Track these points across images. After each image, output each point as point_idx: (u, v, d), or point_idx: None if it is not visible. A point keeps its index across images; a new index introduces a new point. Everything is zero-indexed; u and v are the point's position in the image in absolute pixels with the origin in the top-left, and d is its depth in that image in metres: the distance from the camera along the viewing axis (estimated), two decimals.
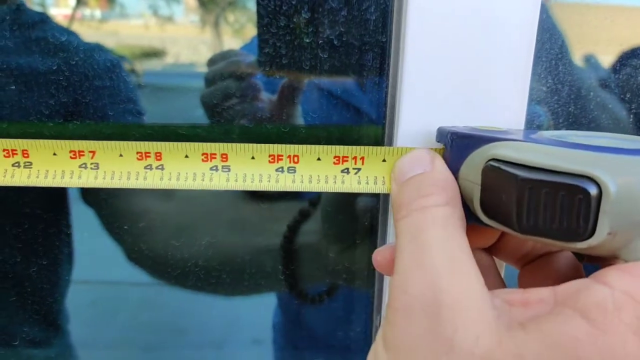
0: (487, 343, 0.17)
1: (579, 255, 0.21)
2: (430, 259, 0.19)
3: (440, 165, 0.23)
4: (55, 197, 0.51)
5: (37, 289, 0.54)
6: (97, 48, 0.47)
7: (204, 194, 0.44)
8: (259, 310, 0.79)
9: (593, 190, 0.15)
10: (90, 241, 0.60)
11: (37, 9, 0.48)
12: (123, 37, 0.64)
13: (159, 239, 0.46)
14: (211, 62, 0.36)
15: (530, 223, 0.18)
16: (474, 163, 0.21)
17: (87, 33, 0.53)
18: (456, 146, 0.23)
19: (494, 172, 0.19)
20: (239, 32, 0.78)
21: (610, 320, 0.15)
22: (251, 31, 0.78)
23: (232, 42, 0.78)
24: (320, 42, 0.30)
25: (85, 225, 0.60)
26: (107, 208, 0.47)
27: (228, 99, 0.37)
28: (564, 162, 0.16)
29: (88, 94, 0.42)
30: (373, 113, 0.34)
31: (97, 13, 0.75)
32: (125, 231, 0.47)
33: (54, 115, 0.39)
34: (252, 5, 0.79)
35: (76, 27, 0.54)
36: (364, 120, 0.35)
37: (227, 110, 0.37)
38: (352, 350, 0.58)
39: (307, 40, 0.30)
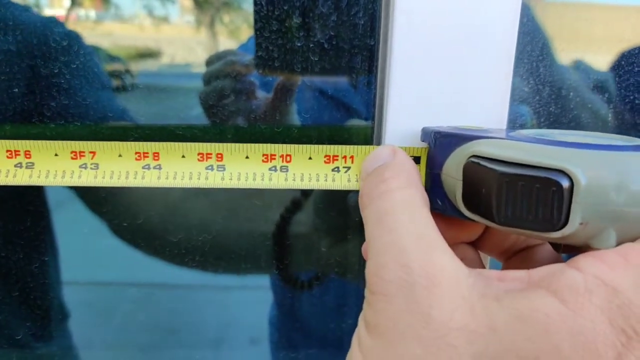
0: (461, 316, 0.17)
1: (555, 246, 0.22)
2: (398, 241, 0.19)
3: (401, 155, 0.24)
4: (47, 198, 0.52)
5: (29, 289, 0.54)
6: (52, 22, 0.46)
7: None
8: (256, 310, 0.80)
9: (565, 183, 0.16)
10: (84, 242, 0.61)
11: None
12: (118, 38, 0.65)
13: (146, 215, 0.46)
14: (209, 61, 0.37)
15: (508, 215, 0.19)
16: (456, 160, 0.22)
17: (81, 34, 0.53)
18: (439, 144, 0.24)
19: (474, 168, 0.20)
20: (234, 33, 0.79)
21: (581, 301, 0.16)
22: (246, 32, 0.79)
23: (227, 43, 0.79)
24: (311, 45, 0.31)
25: (78, 226, 0.60)
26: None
27: (225, 97, 0.38)
28: (539, 157, 0.17)
29: (46, 70, 0.41)
30: (362, 113, 0.35)
31: (92, 13, 0.76)
32: (110, 207, 0.47)
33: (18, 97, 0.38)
34: (247, 6, 0.80)
35: (70, 29, 0.54)
36: (354, 120, 0.36)
37: (225, 108, 0.38)
38: (347, 342, 0.58)
39: (299, 44, 0.31)
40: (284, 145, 0.25)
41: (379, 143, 0.29)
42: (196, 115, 0.71)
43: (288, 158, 0.25)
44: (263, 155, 0.25)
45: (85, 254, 0.62)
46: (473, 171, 0.21)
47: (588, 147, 0.17)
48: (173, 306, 0.92)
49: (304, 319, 0.62)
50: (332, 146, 0.25)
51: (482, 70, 0.27)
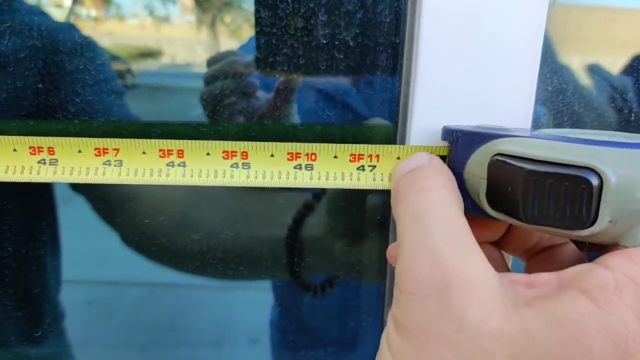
0: (495, 320, 0.17)
1: (580, 245, 0.22)
2: (433, 241, 0.19)
3: (438, 160, 0.24)
4: (48, 196, 0.51)
5: (29, 288, 0.53)
6: (67, 28, 0.46)
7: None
8: (256, 310, 0.80)
9: (595, 181, 0.16)
10: (85, 241, 0.60)
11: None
12: (118, 38, 0.65)
13: (157, 223, 0.46)
14: (210, 61, 0.37)
15: (535, 213, 0.19)
16: (480, 158, 0.22)
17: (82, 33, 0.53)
18: (462, 143, 0.24)
19: (499, 166, 0.21)
20: (235, 33, 0.78)
21: (612, 300, 0.16)
22: (247, 32, 0.79)
23: (228, 43, 0.79)
24: (336, 42, 0.31)
25: (80, 225, 0.60)
26: (98, 193, 0.46)
27: (229, 97, 0.38)
28: (567, 155, 0.17)
29: (59, 75, 0.41)
30: (385, 112, 0.35)
31: (93, 13, 0.75)
32: (121, 215, 0.47)
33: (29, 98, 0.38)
34: (248, 6, 0.80)
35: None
36: (376, 120, 0.36)
37: (228, 108, 0.37)
38: (347, 345, 0.59)
39: (325, 41, 0.31)
40: (310, 144, 0.25)
41: (402, 142, 0.29)
42: (197, 115, 0.71)
43: (313, 156, 0.25)
44: (288, 153, 0.26)
45: (85, 253, 0.62)
46: (498, 169, 0.21)
47: (617, 145, 0.17)
48: (173, 306, 0.91)
49: (305, 319, 0.62)
50: (357, 145, 0.25)
51: (508, 70, 0.27)
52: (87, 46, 0.46)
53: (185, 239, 0.46)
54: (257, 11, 0.30)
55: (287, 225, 0.41)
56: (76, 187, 0.48)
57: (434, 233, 0.19)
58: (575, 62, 0.50)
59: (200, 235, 0.45)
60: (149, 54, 0.82)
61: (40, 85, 0.40)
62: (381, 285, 0.43)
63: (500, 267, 0.28)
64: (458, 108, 0.28)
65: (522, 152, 0.20)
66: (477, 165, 0.22)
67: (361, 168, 0.26)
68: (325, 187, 0.25)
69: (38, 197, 0.49)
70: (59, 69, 0.41)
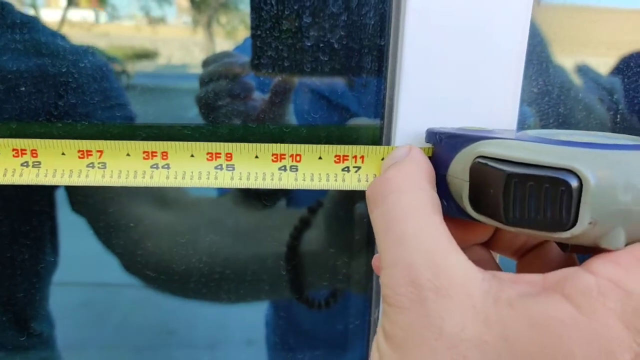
0: (474, 328, 0.17)
1: (563, 246, 0.22)
2: (407, 256, 0.19)
3: (414, 153, 0.24)
4: (44, 198, 0.51)
5: (21, 290, 0.53)
6: (88, 51, 0.47)
7: (203, 202, 0.44)
8: (252, 311, 0.80)
9: (574, 183, 0.16)
10: (80, 243, 0.60)
11: (28, 10, 0.48)
12: (114, 39, 0.65)
13: (158, 248, 0.46)
14: (205, 63, 0.37)
15: (516, 215, 0.19)
16: (462, 161, 0.22)
17: (78, 34, 0.53)
18: (445, 145, 0.24)
19: (481, 169, 0.20)
20: (231, 34, 0.78)
21: (595, 305, 0.16)
22: (243, 32, 0.79)
23: (224, 44, 0.79)
24: (321, 45, 0.32)
25: (74, 227, 0.60)
26: (100, 216, 0.46)
27: (227, 98, 0.38)
28: (547, 157, 0.17)
29: (76, 97, 0.42)
30: (371, 114, 0.35)
31: (89, 14, 0.75)
32: (121, 241, 0.47)
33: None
34: (244, 7, 0.80)
35: (67, 29, 0.54)
36: (361, 120, 0.36)
37: (225, 109, 0.37)
38: (343, 344, 0.59)
39: (309, 44, 0.31)
40: (294, 145, 0.25)
41: (388, 143, 0.29)
42: (192, 116, 0.71)
43: (298, 158, 0.25)
44: (273, 154, 0.25)
45: (82, 255, 0.62)
46: (480, 172, 0.21)
47: (596, 146, 0.17)
48: (170, 307, 0.91)
49: (300, 320, 0.62)
50: (342, 146, 0.25)
51: (493, 71, 0.27)
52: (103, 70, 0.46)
53: (184, 262, 0.46)
54: (252, 18, 0.30)
55: (286, 242, 0.41)
56: (78, 210, 0.48)
57: (407, 247, 0.19)
58: (564, 62, 0.50)
59: (198, 258, 0.45)
60: (145, 55, 0.82)
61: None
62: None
63: (490, 267, 0.28)
64: (443, 110, 0.28)
65: (503, 154, 0.20)
66: (460, 168, 0.22)
67: (346, 169, 0.25)
68: (310, 188, 0.25)
69: (34, 199, 0.49)
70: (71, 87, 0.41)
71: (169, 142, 0.25)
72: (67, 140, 0.25)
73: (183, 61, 0.85)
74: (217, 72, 0.37)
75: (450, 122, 0.27)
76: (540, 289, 0.18)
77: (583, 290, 0.17)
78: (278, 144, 0.25)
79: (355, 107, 0.35)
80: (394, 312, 0.19)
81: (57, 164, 0.25)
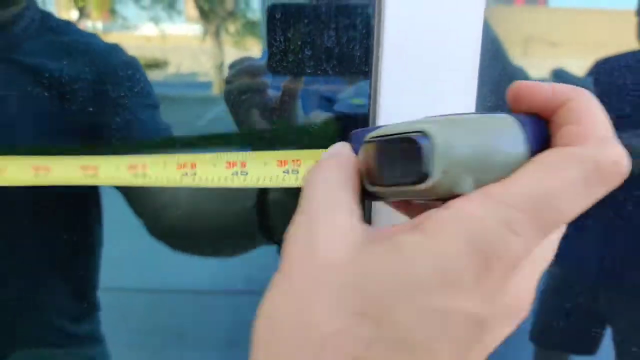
0: (344, 254, 0.19)
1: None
2: (310, 207, 0.22)
3: (335, 147, 0.26)
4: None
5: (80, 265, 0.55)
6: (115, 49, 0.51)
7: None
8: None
9: (425, 142, 0.20)
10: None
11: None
12: (125, 49, 0.66)
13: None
14: (232, 65, 0.43)
15: (389, 177, 0.22)
16: (362, 150, 0.25)
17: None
18: (354, 141, 0.27)
19: (365, 148, 0.24)
20: (239, 43, 0.80)
21: (442, 229, 0.18)
22: (251, 42, 0.81)
23: (232, 52, 0.80)
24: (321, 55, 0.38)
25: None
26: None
27: (244, 94, 0.44)
28: (406, 127, 0.21)
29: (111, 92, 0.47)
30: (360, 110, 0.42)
31: (99, 25, 0.77)
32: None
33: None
34: (252, 16, 0.81)
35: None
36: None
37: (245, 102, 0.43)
38: None
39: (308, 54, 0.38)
40: (242, 152, 0.31)
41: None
42: (200, 126, 0.72)
43: (244, 164, 0.31)
44: (226, 162, 0.31)
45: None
46: (366, 151, 0.24)
47: (444, 116, 0.21)
48: (184, 311, 0.93)
49: None
50: (283, 152, 0.30)
51: (452, 76, 0.32)
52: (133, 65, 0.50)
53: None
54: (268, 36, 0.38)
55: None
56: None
57: (313, 202, 0.22)
58: (527, 62, 0.53)
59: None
60: (155, 64, 0.83)
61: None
62: None
63: None
64: (416, 103, 0.33)
65: (379, 133, 0.23)
66: (361, 157, 0.25)
67: (286, 171, 0.30)
68: (257, 187, 0.30)
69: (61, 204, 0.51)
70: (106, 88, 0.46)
71: (147, 156, 0.32)
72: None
73: (192, 69, 0.86)
74: (241, 70, 0.43)
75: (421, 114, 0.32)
76: (407, 229, 0.19)
77: (435, 220, 0.18)
78: (231, 153, 0.31)
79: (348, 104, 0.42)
80: (287, 246, 0.21)
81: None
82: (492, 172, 0.19)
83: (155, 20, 0.82)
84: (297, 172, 0.29)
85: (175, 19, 0.83)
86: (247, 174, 0.31)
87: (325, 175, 0.23)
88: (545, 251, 0.21)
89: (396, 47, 0.32)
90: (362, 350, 0.18)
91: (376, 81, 0.32)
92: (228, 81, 0.42)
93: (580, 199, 0.18)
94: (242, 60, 0.42)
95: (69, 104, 0.45)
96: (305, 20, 0.38)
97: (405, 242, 0.18)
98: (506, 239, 0.18)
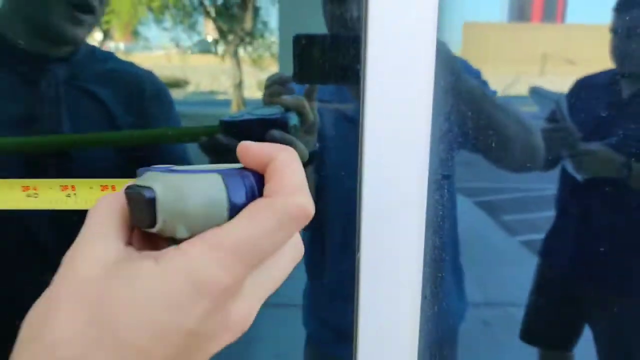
0: (96, 275, 0.22)
1: (169, 241, 0.26)
2: (82, 237, 0.25)
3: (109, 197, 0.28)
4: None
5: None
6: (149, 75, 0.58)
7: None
8: (282, 326, 0.81)
9: (151, 195, 0.23)
10: None
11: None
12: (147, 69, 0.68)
13: None
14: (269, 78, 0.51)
15: (135, 220, 0.25)
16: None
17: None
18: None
19: (128, 195, 0.26)
20: (256, 62, 0.81)
21: (168, 263, 0.22)
22: (268, 61, 0.82)
23: (251, 71, 0.82)
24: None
25: None
26: None
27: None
28: (143, 180, 0.24)
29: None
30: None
31: (121, 46, 0.79)
32: None
33: None
34: (269, 36, 0.83)
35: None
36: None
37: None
38: None
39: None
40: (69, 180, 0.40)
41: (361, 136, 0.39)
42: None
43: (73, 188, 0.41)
44: (22, 187, 0.41)
45: None
46: (129, 198, 0.26)
47: (169, 171, 0.25)
48: None
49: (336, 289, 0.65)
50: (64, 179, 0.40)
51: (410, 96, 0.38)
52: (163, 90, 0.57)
53: None
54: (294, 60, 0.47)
55: None
56: None
57: (85, 228, 0.25)
58: (544, 80, 0.54)
59: None
60: (175, 83, 0.85)
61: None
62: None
63: None
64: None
65: (142, 178, 0.25)
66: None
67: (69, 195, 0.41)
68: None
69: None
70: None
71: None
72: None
73: (211, 88, 0.88)
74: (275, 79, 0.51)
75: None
76: (150, 256, 0.23)
77: (167, 255, 0.22)
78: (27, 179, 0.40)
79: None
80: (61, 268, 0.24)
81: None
82: (202, 221, 0.23)
83: (176, 41, 0.84)
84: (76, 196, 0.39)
85: (194, 39, 0.85)
86: (37, 196, 0.41)
87: (100, 206, 0.26)
88: (264, 281, 0.25)
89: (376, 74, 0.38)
90: (89, 352, 0.21)
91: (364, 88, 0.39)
92: (266, 87, 0.52)
93: (277, 237, 0.23)
94: (276, 74, 0.52)
95: (114, 125, 0.51)
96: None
97: (142, 267, 0.22)
98: (216, 273, 0.22)
